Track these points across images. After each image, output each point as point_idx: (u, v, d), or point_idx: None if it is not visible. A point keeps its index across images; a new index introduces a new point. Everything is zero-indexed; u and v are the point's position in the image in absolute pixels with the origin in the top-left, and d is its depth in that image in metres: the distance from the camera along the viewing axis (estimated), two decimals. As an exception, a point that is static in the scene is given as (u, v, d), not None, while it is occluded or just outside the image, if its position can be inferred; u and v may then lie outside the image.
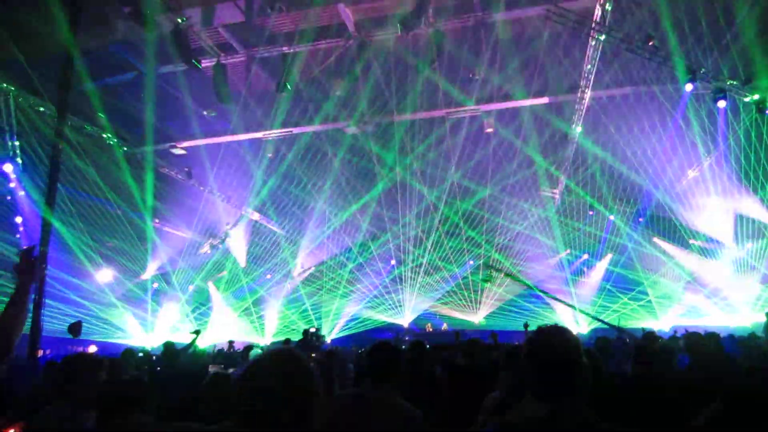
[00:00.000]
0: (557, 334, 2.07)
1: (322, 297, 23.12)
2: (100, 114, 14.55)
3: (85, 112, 14.15)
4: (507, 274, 20.23)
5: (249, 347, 7.98)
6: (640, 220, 20.36)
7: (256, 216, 21.27)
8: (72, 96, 9.25)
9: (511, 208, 20.35)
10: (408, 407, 3.07)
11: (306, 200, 20.51)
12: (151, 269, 20.25)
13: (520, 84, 14.38)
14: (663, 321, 20.50)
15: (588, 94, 13.84)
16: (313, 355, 12.10)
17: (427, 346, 5.52)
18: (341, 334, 22.39)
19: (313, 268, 23.73)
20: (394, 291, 23.13)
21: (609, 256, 22.19)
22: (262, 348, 9.46)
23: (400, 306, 23.28)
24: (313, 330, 15.50)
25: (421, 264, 22.32)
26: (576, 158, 17.27)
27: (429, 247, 21.99)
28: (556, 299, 18.09)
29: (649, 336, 7.93)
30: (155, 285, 20.74)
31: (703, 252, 19.42)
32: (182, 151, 17.31)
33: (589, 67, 13.03)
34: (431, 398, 4.40)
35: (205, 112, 15.84)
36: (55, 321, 13.54)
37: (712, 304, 19.50)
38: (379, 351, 3.20)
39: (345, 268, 23.13)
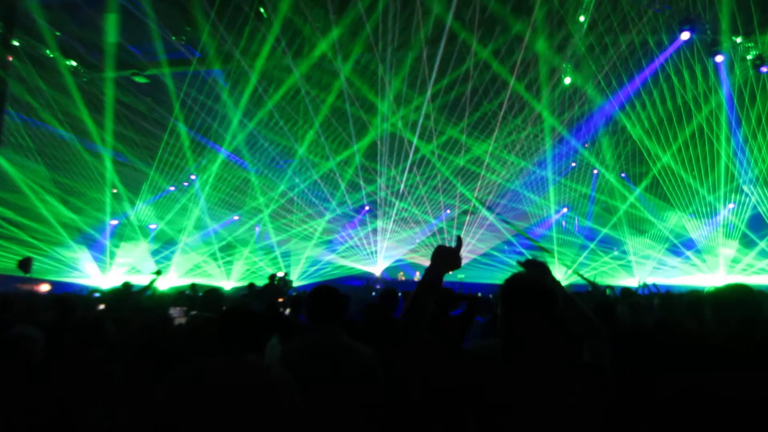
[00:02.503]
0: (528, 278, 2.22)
1: (294, 245, 23.39)
2: (51, 35, 13.94)
3: (36, 33, 13.54)
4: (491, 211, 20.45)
5: (212, 290, 7.99)
6: (623, 174, 20.60)
7: (224, 153, 20.99)
8: (21, 13, 8.77)
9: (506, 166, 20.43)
10: (364, 349, 3.19)
11: (284, 144, 20.34)
12: (111, 208, 19.95)
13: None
14: (637, 278, 21.07)
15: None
16: (281, 300, 12.38)
17: (399, 294, 5.55)
18: (310, 281, 22.57)
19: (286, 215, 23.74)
20: (369, 242, 23.53)
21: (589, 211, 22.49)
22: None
23: (374, 255, 23.66)
24: (280, 275, 15.73)
25: (404, 218, 22.69)
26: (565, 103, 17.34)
27: (412, 202, 22.32)
28: (539, 245, 18.38)
29: (626, 292, 8.18)
30: (114, 223, 20.47)
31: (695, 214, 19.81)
32: (146, 80, 16.79)
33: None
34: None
35: (173, 38, 15.32)
36: (4, 259, 13.33)
37: (690, 266, 20.03)
38: (321, 292, 3.32)
39: (323, 218, 23.31)
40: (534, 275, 2.33)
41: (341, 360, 3.09)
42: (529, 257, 2.48)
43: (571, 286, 19.16)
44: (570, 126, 18.83)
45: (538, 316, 2.08)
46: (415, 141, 19.57)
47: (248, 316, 2.61)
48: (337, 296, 3.33)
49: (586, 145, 19.95)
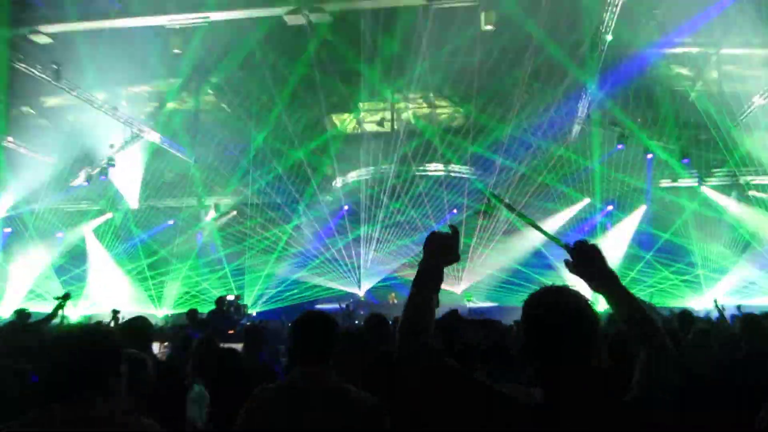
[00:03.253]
0: (560, 292, 2.24)
1: (250, 260, 23.46)
2: None
3: None
4: (512, 210, 20.72)
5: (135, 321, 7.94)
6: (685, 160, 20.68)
7: (155, 137, 20.95)
8: None
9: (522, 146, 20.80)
10: (363, 396, 3.25)
11: (231, 123, 20.43)
12: (1, 208, 19.86)
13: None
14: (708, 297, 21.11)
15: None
16: (231, 332, 12.61)
17: (390, 323, 5.71)
18: (270, 306, 22.77)
19: (234, 213, 23.70)
20: (350, 255, 23.77)
21: (642, 208, 22.60)
22: None
23: (355, 272, 23.89)
24: (230, 299, 15.78)
25: (397, 222, 22.95)
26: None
27: (407, 201, 22.54)
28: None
29: (685, 316, 8.15)
30: (6, 230, 20.36)
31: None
32: (48, 39, 16.71)
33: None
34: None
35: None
36: None
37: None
38: (309, 322, 3.41)
39: (289, 224, 23.47)
40: (580, 272, 2.39)
41: (335, 411, 3.12)
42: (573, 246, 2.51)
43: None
44: (615, 96, 19.19)
45: (573, 361, 2.13)
46: (411, 119, 19.70)
47: (81, 349, 2.55)
48: (330, 324, 3.42)
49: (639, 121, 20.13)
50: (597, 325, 2.16)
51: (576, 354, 2.12)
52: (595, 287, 2.36)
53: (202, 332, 9.44)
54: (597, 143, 21.28)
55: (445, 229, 2.47)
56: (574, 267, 2.42)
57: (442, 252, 2.37)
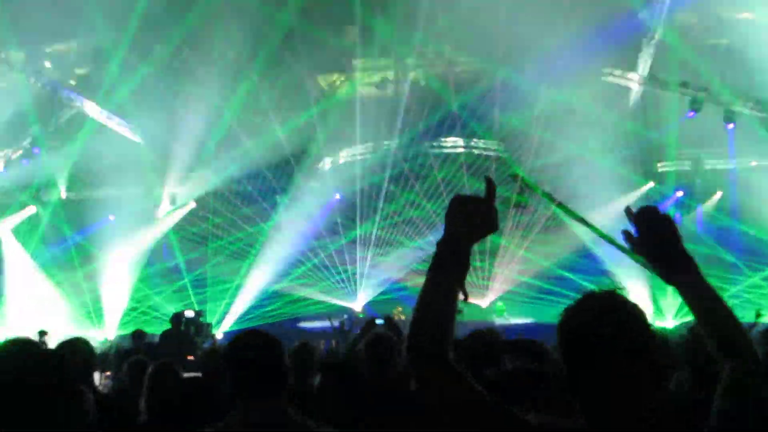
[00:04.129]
0: (605, 299, 2.18)
1: (216, 268, 23.78)
2: None
3: None
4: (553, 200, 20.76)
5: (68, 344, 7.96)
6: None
7: (92, 109, 20.94)
8: None
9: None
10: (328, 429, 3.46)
11: (191, 90, 20.69)
12: None
13: None
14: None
15: None
16: (190, 357, 12.73)
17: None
18: (241, 325, 22.74)
19: (193, 204, 23.90)
20: (343, 261, 24.06)
21: (719, 196, 22.66)
22: None
23: (351, 281, 24.09)
24: (189, 314, 15.98)
25: (408, 219, 23.21)
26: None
27: (420, 192, 22.75)
28: (636, 258, 18.49)
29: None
30: None
31: None
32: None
33: None
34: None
35: None
36: None
37: None
38: (252, 347, 3.52)
39: (268, 222, 23.77)
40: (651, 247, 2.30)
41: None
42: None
43: (687, 324, 18.92)
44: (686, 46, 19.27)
45: (625, 385, 2.08)
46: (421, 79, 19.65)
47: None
48: (277, 348, 3.52)
49: None
50: (655, 340, 2.12)
51: (627, 376, 2.07)
52: (668, 275, 2.29)
53: (157, 358, 9.42)
54: (663, 111, 21.37)
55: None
56: (637, 244, 2.33)
57: (470, 220, 2.19)
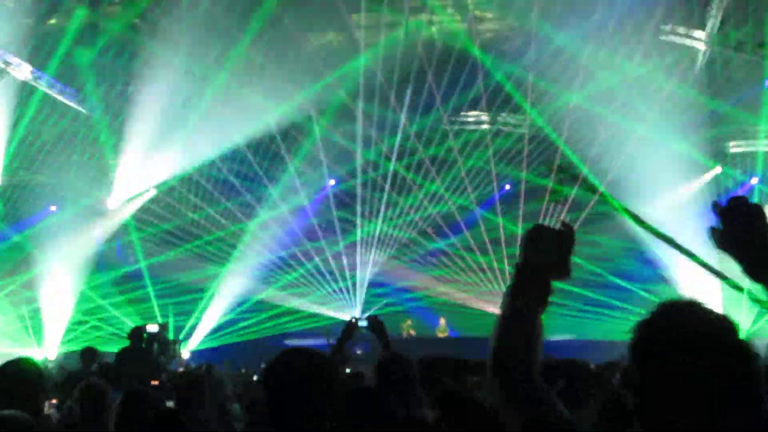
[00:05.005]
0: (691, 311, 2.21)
1: (190, 275, 23.73)
2: None
3: None
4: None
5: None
6: None
7: (27, 73, 20.63)
8: None
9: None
10: None
11: (157, 52, 20.45)
12: None
13: None
14: None
15: None
16: (155, 381, 12.39)
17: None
18: (215, 342, 23.09)
19: (153, 192, 23.71)
20: (340, 265, 24.31)
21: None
22: None
23: (350, 291, 24.27)
24: (152, 329, 15.60)
25: (417, 203, 23.27)
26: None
27: (437, 178, 22.87)
28: (701, 262, 18.29)
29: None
30: None
31: None
32: None
33: None
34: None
35: None
36: None
37: None
38: (289, 369, 3.57)
39: (252, 219, 24.00)
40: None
41: None
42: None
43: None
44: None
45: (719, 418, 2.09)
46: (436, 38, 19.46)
47: None
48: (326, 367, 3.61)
49: None
50: (755, 359, 2.12)
51: (725, 399, 2.07)
52: (758, 273, 2.24)
53: (114, 382, 9.28)
54: (736, 78, 21.13)
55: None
56: (724, 237, 2.32)
57: (547, 255, 2.40)
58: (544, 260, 2.43)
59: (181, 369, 14.76)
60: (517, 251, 2.44)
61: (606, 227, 22.05)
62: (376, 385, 5.54)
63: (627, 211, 20.31)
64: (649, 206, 21.55)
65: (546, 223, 2.45)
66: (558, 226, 2.46)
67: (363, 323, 7.55)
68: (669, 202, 22.18)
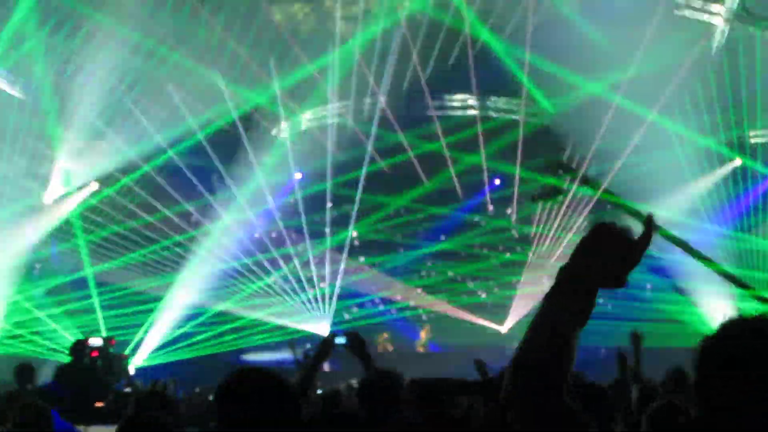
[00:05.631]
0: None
1: (138, 282, 23.90)
2: None
3: None
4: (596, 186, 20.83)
5: None
6: None
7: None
8: None
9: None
10: None
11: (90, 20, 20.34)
12: None
13: None
14: None
15: None
16: (99, 404, 12.46)
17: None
18: (166, 358, 23.05)
19: (95, 186, 23.55)
20: (309, 271, 24.48)
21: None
22: None
23: (321, 297, 24.30)
24: (96, 343, 15.54)
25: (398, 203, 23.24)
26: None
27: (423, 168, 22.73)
28: (725, 272, 18.32)
29: None
30: None
31: None
32: None
33: None
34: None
35: None
36: None
37: None
38: (241, 390, 3.68)
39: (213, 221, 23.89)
40: None
41: None
42: None
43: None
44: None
45: None
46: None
47: None
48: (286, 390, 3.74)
49: None
50: None
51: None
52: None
53: (54, 403, 8.81)
54: (757, 58, 21.00)
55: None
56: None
57: (609, 265, 2.28)
58: (602, 270, 2.32)
59: (128, 389, 14.56)
60: (569, 253, 2.32)
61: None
62: (360, 409, 5.61)
63: (636, 212, 20.38)
64: (660, 204, 21.62)
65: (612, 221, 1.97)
66: (627, 225, 2.31)
67: (341, 340, 7.45)
68: (682, 199, 22.27)
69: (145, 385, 14.80)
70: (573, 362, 2.28)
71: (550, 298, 2.28)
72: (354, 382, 15.99)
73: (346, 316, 24.59)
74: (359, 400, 5.80)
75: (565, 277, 2.34)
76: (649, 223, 2.34)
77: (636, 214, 20.77)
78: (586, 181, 21.86)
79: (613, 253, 2.29)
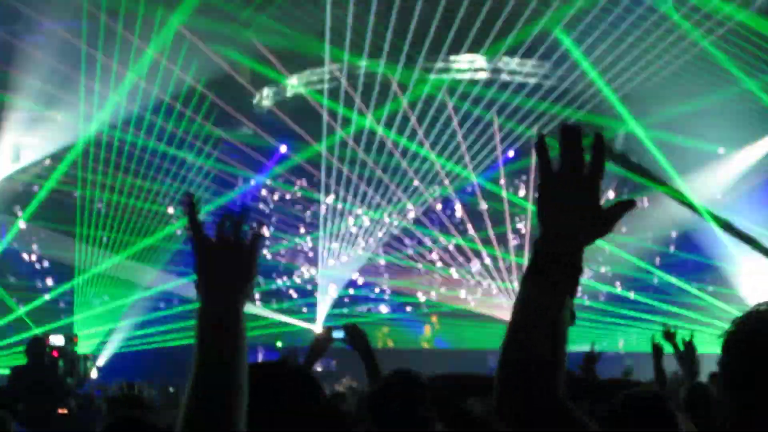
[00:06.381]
0: None
1: (99, 269, 24.00)
2: None
3: None
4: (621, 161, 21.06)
5: None
6: None
7: None
8: None
9: None
10: None
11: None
12: None
13: None
14: None
15: None
16: (63, 411, 12.40)
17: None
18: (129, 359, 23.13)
19: (47, 162, 24.07)
20: (295, 256, 25.44)
21: None
22: None
23: (309, 288, 24.89)
24: (57, 342, 15.69)
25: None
26: None
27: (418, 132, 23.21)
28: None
29: None
30: None
31: None
32: None
33: None
34: None
35: None
36: None
37: None
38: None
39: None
40: None
41: None
42: None
43: None
44: None
45: None
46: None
47: None
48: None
49: None
50: None
51: None
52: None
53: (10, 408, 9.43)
54: None
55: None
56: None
57: (575, 212, 2.17)
58: (571, 222, 2.21)
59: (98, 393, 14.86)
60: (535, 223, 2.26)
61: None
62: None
63: (673, 190, 20.54)
64: (696, 179, 21.83)
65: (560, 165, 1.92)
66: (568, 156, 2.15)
67: (338, 334, 7.26)
68: (722, 173, 22.43)
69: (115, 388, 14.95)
70: (564, 348, 2.23)
71: (528, 278, 2.23)
72: (354, 384, 16.13)
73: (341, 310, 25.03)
74: (371, 412, 5.27)
75: (542, 246, 2.25)
76: (598, 140, 2.15)
77: (676, 195, 21.09)
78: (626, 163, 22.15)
79: (570, 205, 2.19)
